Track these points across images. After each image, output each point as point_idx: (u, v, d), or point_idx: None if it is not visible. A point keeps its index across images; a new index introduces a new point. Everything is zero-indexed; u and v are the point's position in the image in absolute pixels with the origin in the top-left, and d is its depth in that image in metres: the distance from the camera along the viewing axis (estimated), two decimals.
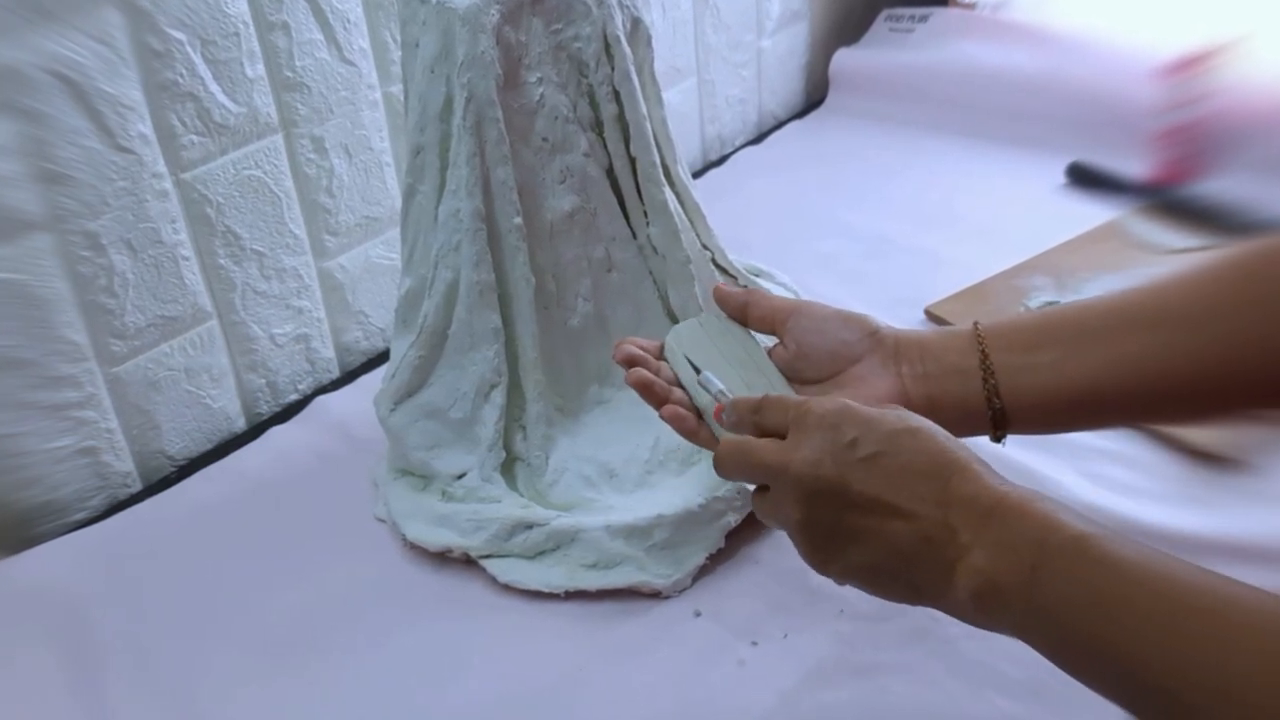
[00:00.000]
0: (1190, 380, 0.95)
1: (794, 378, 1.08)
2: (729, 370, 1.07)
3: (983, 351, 1.02)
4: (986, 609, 0.81)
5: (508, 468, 1.38)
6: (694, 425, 1.06)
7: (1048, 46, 2.17)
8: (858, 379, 1.05)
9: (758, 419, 0.95)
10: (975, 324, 1.04)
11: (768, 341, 1.11)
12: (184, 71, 1.43)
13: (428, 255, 1.37)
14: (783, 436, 0.92)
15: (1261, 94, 1.89)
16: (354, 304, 1.74)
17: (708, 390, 1.03)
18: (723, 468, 0.97)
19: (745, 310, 1.12)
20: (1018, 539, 0.80)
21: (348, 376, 1.73)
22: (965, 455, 0.86)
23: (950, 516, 0.83)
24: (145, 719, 1.20)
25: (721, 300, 1.13)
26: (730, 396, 1.01)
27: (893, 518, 0.85)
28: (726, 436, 0.99)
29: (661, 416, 1.06)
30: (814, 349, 1.07)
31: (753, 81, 2.39)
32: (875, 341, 1.06)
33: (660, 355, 1.11)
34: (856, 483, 0.86)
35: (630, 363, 1.09)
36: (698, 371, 1.04)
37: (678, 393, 1.07)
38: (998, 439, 1.03)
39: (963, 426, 1.02)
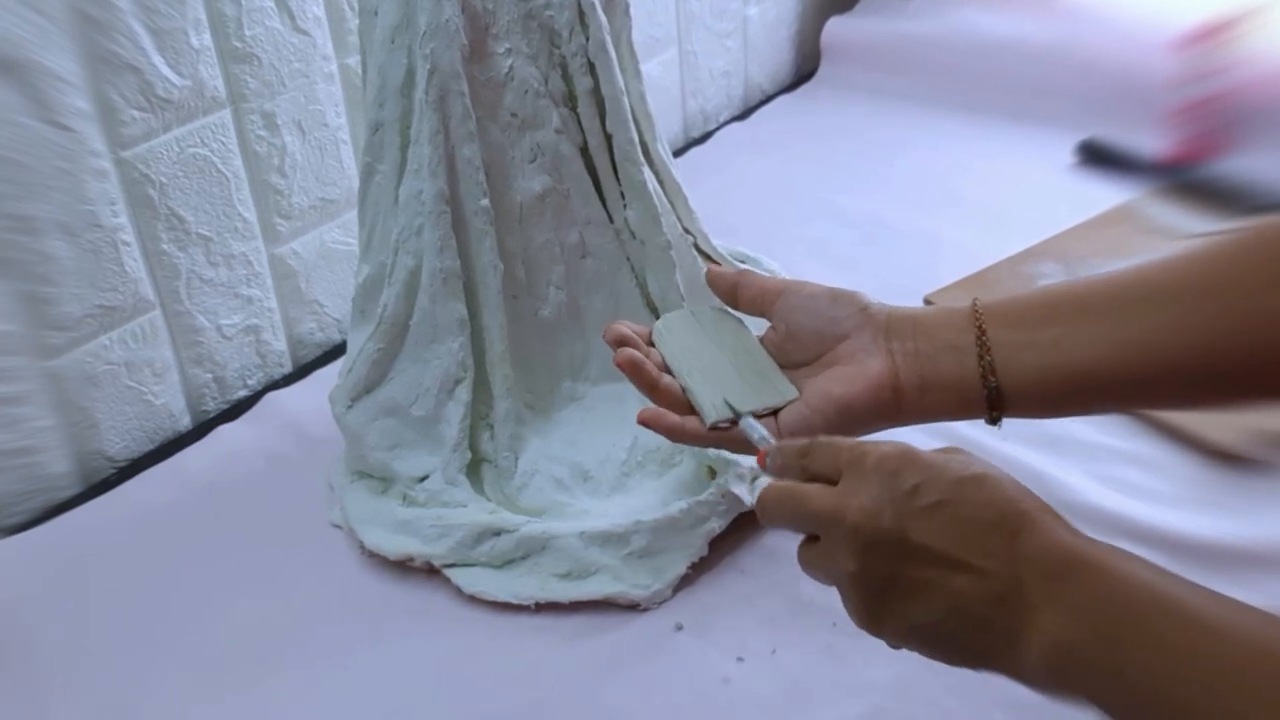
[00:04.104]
0: (1200, 362, 0.95)
1: (784, 361, 1.09)
2: (720, 358, 1.08)
3: (979, 327, 1.01)
4: (1060, 674, 0.80)
5: (474, 469, 1.39)
6: (674, 422, 1.06)
7: (1057, 15, 2.17)
8: (845, 357, 1.05)
9: (806, 462, 0.93)
10: (974, 300, 1.04)
11: (762, 328, 1.12)
12: (125, 42, 1.43)
13: (387, 240, 1.37)
14: (833, 482, 0.90)
15: None
16: (308, 293, 1.74)
17: (749, 436, 1.03)
18: (768, 515, 0.94)
19: (735, 292, 1.12)
20: (1096, 598, 0.79)
21: (301, 371, 1.73)
22: (1034, 506, 0.85)
23: (1020, 572, 0.81)
24: None
25: (713, 281, 1.13)
26: (774, 441, 1.00)
27: (957, 573, 0.83)
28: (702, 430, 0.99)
29: (639, 420, 1.06)
30: (801, 329, 1.08)
31: (738, 52, 2.39)
32: (865, 317, 1.06)
33: (649, 342, 1.12)
34: (917, 534, 0.84)
35: (620, 342, 1.09)
36: (737, 416, 1.04)
37: (667, 378, 1.08)
38: (993, 421, 1.02)
39: (957, 408, 1.03)
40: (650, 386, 1.07)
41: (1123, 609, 0.78)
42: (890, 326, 1.05)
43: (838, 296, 1.08)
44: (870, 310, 1.06)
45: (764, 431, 1.02)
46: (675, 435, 1.07)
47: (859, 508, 0.86)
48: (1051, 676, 0.80)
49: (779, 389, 1.06)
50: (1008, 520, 0.83)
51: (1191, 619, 0.76)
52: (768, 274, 1.53)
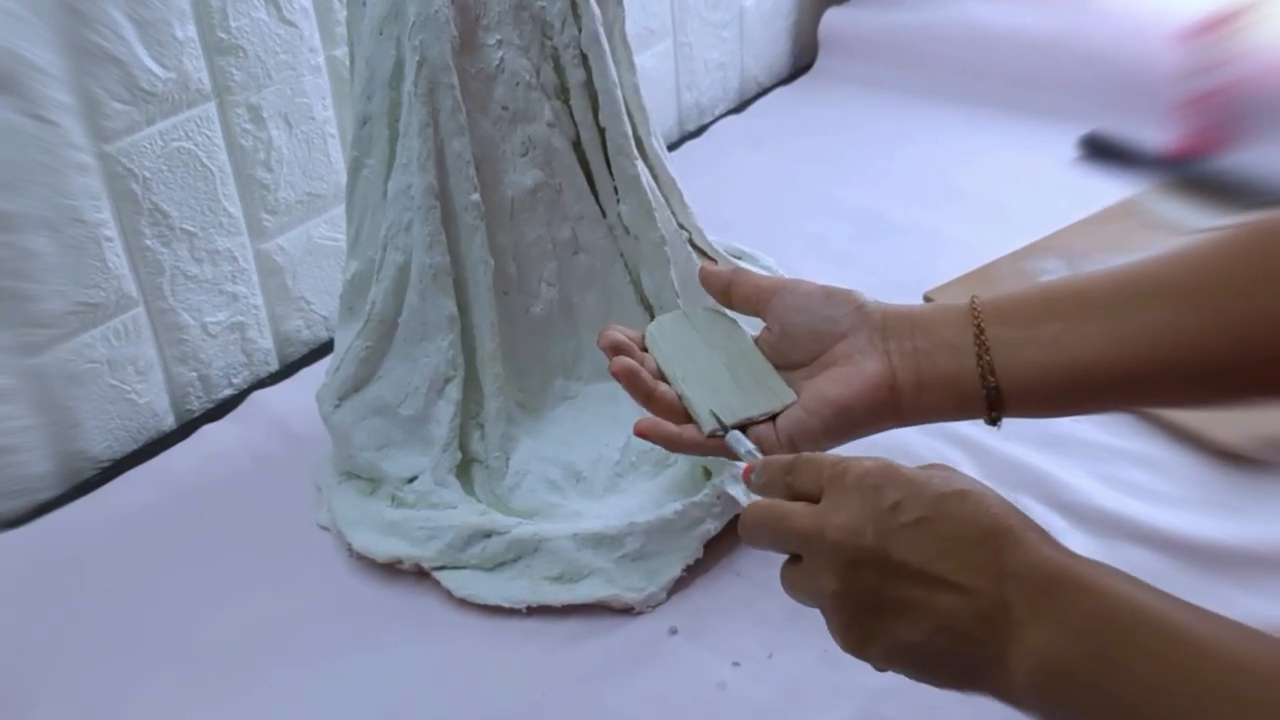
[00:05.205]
0: (1201, 357, 0.95)
1: (780, 362, 1.09)
2: (715, 362, 1.08)
3: (978, 325, 1.02)
4: (1046, 692, 0.80)
5: (464, 470, 1.38)
6: (671, 431, 1.06)
7: (1060, 5, 2.17)
8: (842, 357, 1.05)
9: (790, 480, 0.93)
10: (972, 298, 1.04)
11: (756, 329, 1.12)
12: (108, 33, 1.42)
13: (376, 236, 1.37)
14: (816, 499, 0.90)
15: None
16: (294, 289, 1.74)
17: (736, 451, 1.03)
18: (749, 535, 0.94)
19: (729, 290, 1.12)
20: (1083, 615, 0.79)
21: (287, 369, 1.73)
22: (1019, 522, 0.84)
23: (1005, 590, 0.81)
24: None
25: (706, 280, 1.14)
26: (760, 456, 1.01)
27: (941, 591, 0.83)
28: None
29: (636, 432, 1.07)
30: (797, 329, 1.08)
31: (734, 44, 2.39)
32: (861, 316, 1.06)
33: (643, 347, 1.12)
34: (899, 551, 0.84)
35: (615, 350, 1.09)
36: (724, 429, 1.04)
37: (663, 387, 1.08)
38: (993, 421, 1.03)
39: (956, 407, 1.03)
40: (646, 396, 1.08)
41: (1110, 625, 0.78)
42: (887, 325, 1.05)
43: (833, 295, 1.08)
44: (866, 309, 1.06)
45: (750, 446, 1.02)
46: (673, 444, 1.07)
47: (839, 525, 0.86)
48: (1038, 695, 0.80)
49: (776, 393, 1.06)
50: (992, 536, 0.83)
51: (1178, 635, 0.76)
52: (763, 271, 1.54)
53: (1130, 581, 0.80)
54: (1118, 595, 0.79)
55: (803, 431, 1.04)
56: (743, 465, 1.00)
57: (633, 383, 1.08)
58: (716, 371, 1.07)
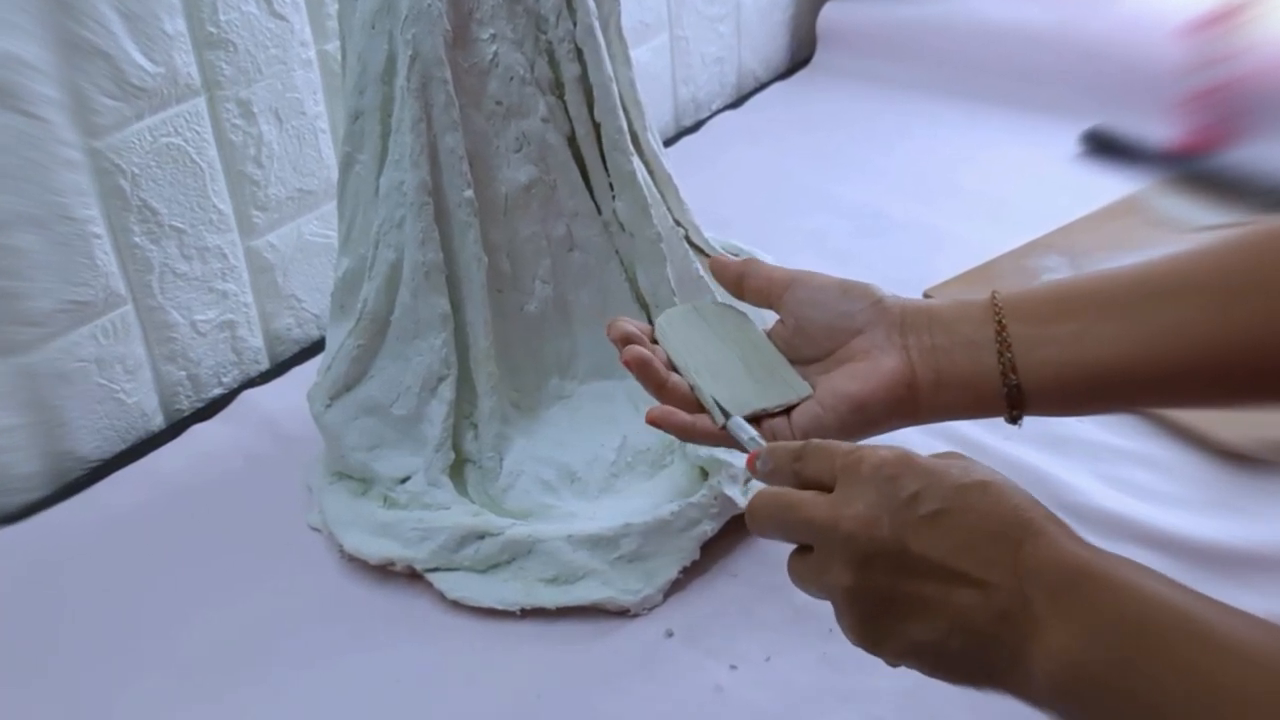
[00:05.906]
0: (1221, 358, 0.95)
1: (794, 357, 1.07)
2: (728, 355, 1.07)
3: (999, 322, 1.00)
4: (1066, 693, 0.79)
5: (457, 470, 1.38)
6: (684, 421, 1.04)
7: None
8: (859, 353, 1.03)
9: (799, 467, 0.91)
10: (993, 293, 1.02)
11: (769, 321, 1.11)
12: (96, 27, 1.42)
13: (368, 233, 1.36)
14: (827, 488, 0.89)
15: None
16: (285, 287, 1.74)
17: (738, 438, 1.02)
18: (757, 523, 0.92)
19: (740, 282, 1.10)
20: (1105, 614, 0.78)
21: (278, 368, 1.73)
22: (1041, 515, 0.84)
23: (1025, 586, 0.80)
24: None
25: (717, 271, 1.12)
26: (763, 442, 0.99)
27: (959, 587, 0.82)
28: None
29: (648, 420, 1.05)
30: (812, 323, 1.06)
31: (731, 38, 2.39)
32: (879, 311, 1.04)
33: (652, 339, 1.11)
34: (917, 545, 0.83)
35: (626, 340, 1.07)
36: (726, 416, 1.03)
37: (675, 377, 1.06)
38: (1014, 420, 1.01)
39: (973, 406, 1.02)
40: (658, 386, 1.06)
41: (1133, 625, 0.77)
42: (905, 321, 1.03)
43: (849, 289, 1.06)
44: (884, 304, 1.04)
45: (754, 433, 1.00)
46: (686, 434, 1.06)
47: (854, 516, 0.84)
48: (1058, 694, 0.79)
49: (792, 385, 1.05)
50: (1012, 530, 0.82)
51: (1201, 634, 0.75)
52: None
53: (1153, 577, 0.79)
54: (1141, 592, 0.78)
55: (818, 427, 1.02)
56: (743, 460, 0.99)
57: (645, 372, 1.06)
58: (730, 364, 1.06)
